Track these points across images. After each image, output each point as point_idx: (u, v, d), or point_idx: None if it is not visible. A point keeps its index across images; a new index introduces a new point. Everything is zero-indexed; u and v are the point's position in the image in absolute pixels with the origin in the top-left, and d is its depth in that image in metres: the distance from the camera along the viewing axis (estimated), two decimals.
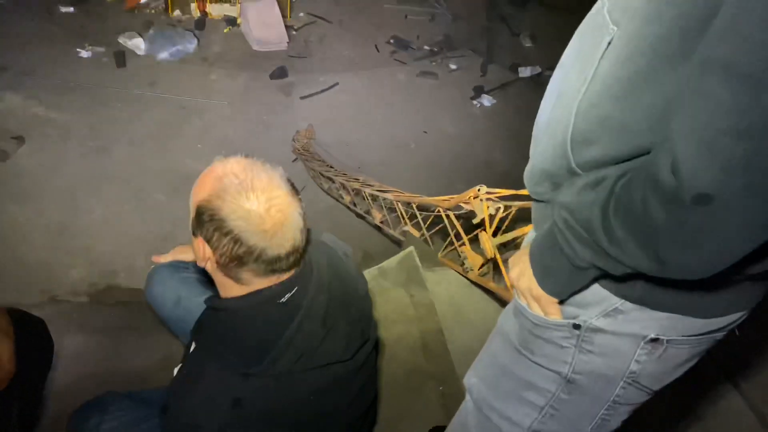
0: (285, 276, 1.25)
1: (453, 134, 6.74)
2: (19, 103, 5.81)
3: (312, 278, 1.30)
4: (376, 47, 7.69)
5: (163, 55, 6.87)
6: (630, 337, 1.00)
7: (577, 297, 1.02)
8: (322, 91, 6.83)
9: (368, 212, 4.38)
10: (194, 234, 1.23)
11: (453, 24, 8.33)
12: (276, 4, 7.42)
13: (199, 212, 1.20)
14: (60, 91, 6.10)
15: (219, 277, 1.28)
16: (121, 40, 6.92)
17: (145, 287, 1.83)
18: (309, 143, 5.93)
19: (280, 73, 6.90)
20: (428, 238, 3.27)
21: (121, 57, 6.70)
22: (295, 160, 5.79)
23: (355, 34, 7.84)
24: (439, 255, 3.00)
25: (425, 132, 6.65)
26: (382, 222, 4.10)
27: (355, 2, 8.29)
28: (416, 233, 3.37)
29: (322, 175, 5.31)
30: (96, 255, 4.62)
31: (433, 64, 7.62)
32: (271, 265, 1.21)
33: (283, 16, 7.48)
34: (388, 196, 3.75)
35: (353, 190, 4.53)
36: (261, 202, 1.16)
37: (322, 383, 1.30)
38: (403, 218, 3.57)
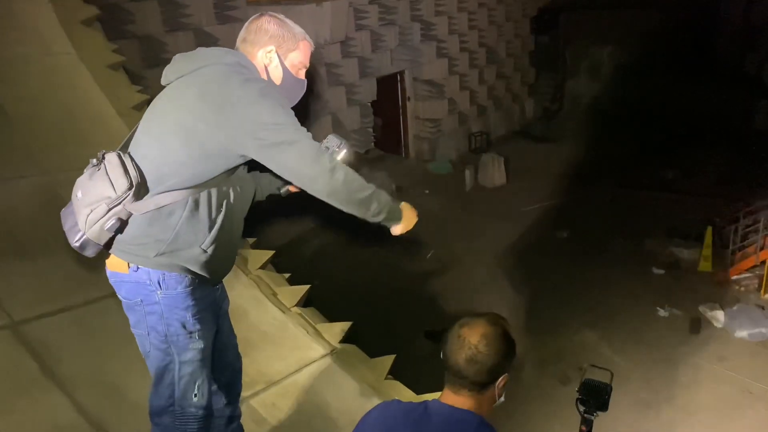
0: None
1: None
2: (592, 341, 6.54)
3: None
4: None
5: (742, 333, 6.61)
6: None
7: None
8: None
9: None
10: None
11: None
12: None
13: None
14: (629, 339, 6.58)
15: None
16: (702, 308, 7.04)
17: None
18: None
19: None
20: None
21: (697, 324, 6.79)
22: None
23: None
24: None
25: None
26: None
27: None
28: None
29: None
30: None
31: None
32: None
33: None
34: None
35: None
36: None
37: None
38: None
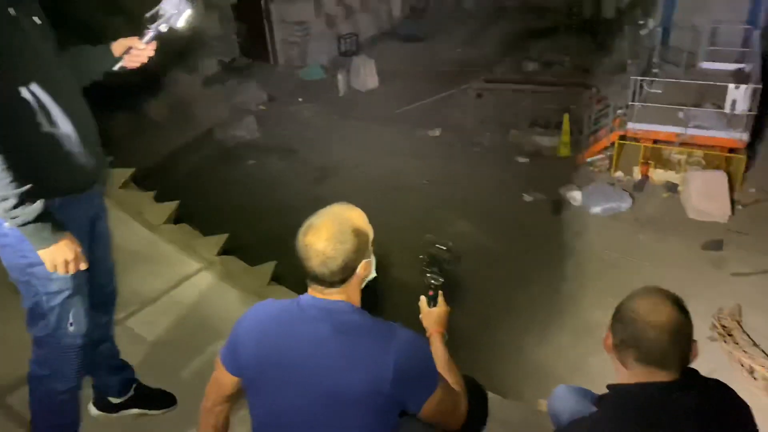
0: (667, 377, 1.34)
1: None
2: (467, 230, 6.91)
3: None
4: None
5: (596, 209, 7.28)
6: None
7: None
8: (763, 272, 6.12)
9: None
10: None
11: None
12: (725, 176, 7.12)
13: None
14: (499, 224, 7.05)
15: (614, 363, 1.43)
16: (562, 191, 7.65)
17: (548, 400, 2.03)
18: (732, 324, 5.33)
19: (714, 246, 6.50)
20: None
21: (558, 205, 7.39)
22: (713, 338, 5.27)
23: None
24: None
25: None
26: None
27: None
28: None
29: (741, 363, 4.70)
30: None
31: None
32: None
33: (732, 190, 7.09)
34: None
35: None
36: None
37: None
38: None
